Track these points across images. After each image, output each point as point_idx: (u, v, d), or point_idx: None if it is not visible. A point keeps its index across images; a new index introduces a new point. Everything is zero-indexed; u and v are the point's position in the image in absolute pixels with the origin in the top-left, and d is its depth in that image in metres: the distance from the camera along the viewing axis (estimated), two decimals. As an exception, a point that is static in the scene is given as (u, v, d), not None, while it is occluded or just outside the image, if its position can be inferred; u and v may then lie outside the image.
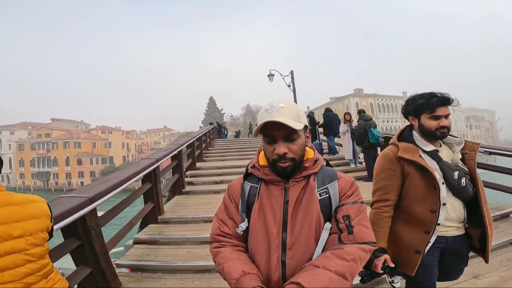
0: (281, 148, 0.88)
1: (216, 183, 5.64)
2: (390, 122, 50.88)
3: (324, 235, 0.90)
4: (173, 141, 55.10)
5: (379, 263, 1.23)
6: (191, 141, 6.42)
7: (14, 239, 0.99)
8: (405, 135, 1.46)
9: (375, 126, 5.17)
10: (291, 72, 13.15)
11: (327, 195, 0.94)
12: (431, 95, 1.32)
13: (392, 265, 1.22)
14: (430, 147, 1.37)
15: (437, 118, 1.31)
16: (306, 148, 0.98)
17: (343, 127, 6.38)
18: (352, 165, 6.17)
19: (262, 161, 0.99)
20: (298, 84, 13.37)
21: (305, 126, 0.94)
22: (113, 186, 2.39)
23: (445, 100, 1.31)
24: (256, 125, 0.92)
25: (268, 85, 13.20)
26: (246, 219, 0.96)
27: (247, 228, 0.97)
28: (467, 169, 1.36)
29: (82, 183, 47.79)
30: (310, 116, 8.53)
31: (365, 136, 5.02)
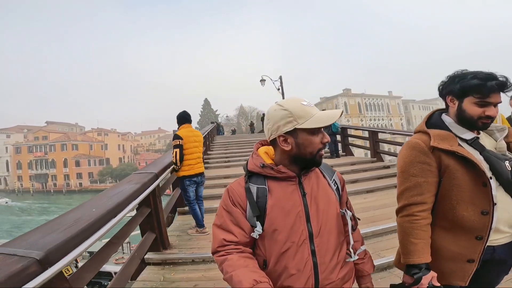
0: (327, 138, 0.95)
1: (225, 166, 7.52)
2: (376, 121, 53.28)
3: (350, 221, 1.02)
4: (169, 142, 56.28)
5: (426, 281, 1.03)
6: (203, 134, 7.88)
7: None
8: (434, 121, 1.17)
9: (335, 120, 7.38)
10: (280, 78, 15.27)
11: (337, 185, 1.05)
12: (490, 77, 1.01)
13: (438, 284, 1.03)
14: (469, 135, 1.09)
15: (485, 104, 1.03)
16: None
17: None
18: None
19: (268, 161, 0.99)
20: (290, 85, 15.52)
21: None
22: (166, 166, 3.05)
23: (505, 86, 1.01)
24: (298, 119, 0.90)
25: (259, 87, 15.04)
26: (259, 223, 0.92)
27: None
28: None
29: (80, 184, 48.98)
30: None
31: (329, 126, 7.12)
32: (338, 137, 7.90)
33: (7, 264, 0.90)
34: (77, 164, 49.96)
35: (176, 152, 3.29)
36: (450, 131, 1.11)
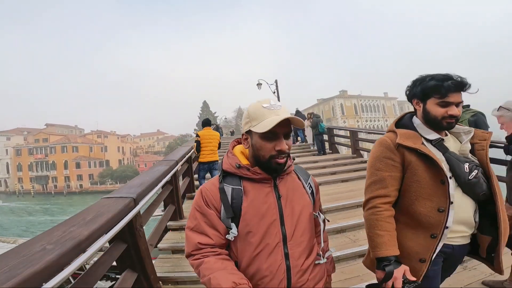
0: (284, 144, 0.91)
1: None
2: (372, 121, 54.33)
3: (322, 224, 1.05)
4: (168, 144, 57.14)
5: (399, 275, 1.02)
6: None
7: None
8: (404, 122, 1.25)
9: (321, 121, 8.33)
10: (276, 81, 16.25)
11: (311, 189, 1.06)
12: (446, 77, 1.07)
13: (413, 278, 1.03)
14: (434, 135, 1.16)
15: (446, 104, 1.09)
16: None
17: (306, 122, 9.45)
18: (312, 148, 9.32)
19: (244, 160, 0.98)
20: (287, 87, 16.88)
21: None
22: (151, 185, 2.27)
23: (461, 85, 1.07)
24: (252, 121, 0.93)
25: (257, 89, 15.90)
26: (234, 225, 0.92)
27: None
28: (478, 162, 1.14)
29: (81, 185, 49.59)
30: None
31: (317, 127, 8.11)
32: (326, 137, 8.85)
33: (122, 201, 1.68)
34: (78, 166, 50.58)
35: (194, 145, 4.93)
36: (417, 131, 1.18)
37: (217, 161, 5.04)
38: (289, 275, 0.92)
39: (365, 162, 7.11)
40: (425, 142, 1.16)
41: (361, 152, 7.79)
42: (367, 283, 1.17)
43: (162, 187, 2.92)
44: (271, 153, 0.91)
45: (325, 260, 1.04)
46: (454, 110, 1.10)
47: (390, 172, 1.15)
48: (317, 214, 1.05)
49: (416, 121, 1.21)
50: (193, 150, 4.88)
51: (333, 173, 6.29)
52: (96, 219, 1.36)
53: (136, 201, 1.81)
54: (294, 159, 1.04)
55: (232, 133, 23.37)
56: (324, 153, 8.25)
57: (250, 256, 0.92)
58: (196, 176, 5.32)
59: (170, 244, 3.12)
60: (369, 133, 8.59)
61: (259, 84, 16.32)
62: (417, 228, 1.14)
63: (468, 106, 4.01)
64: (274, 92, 16.27)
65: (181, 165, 4.08)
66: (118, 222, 1.53)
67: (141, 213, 1.96)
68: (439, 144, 1.15)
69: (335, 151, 8.83)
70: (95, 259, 1.53)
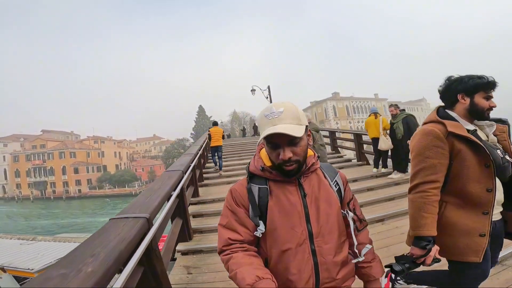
0: (286, 153, 0.90)
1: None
2: (363, 123, 55.80)
3: (351, 223, 1.02)
4: (165, 148, 57.75)
5: (433, 254, 1.22)
6: (204, 144, 8.03)
7: None
8: (443, 114, 1.37)
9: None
10: (268, 87, 17.60)
11: (338, 186, 1.06)
12: (488, 77, 1.28)
13: (440, 258, 1.22)
14: (471, 126, 1.32)
15: (489, 98, 1.29)
16: None
17: None
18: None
19: (268, 162, 1.00)
20: (281, 91, 17.78)
21: (306, 126, 0.95)
22: (162, 199, 2.03)
23: (495, 83, 1.29)
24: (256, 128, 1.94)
25: (251, 93, 16.98)
26: (261, 222, 0.96)
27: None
28: (503, 150, 1.32)
29: (79, 190, 50.21)
30: None
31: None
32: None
33: (135, 222, 1.40)
34: (76, 171, 51.28)
35: (207, 137, 8.35)
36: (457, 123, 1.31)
37: (221, 145, 7.62)
38: (317, 271, 0.94)
39: (343, 158, 8.39)
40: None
41: (339, 149, 9.11)
42: (396, 256, 1.31)
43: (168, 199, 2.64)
44: (277, 161, 0.92)
45: (362, 257, 1.03)
46: (493, 103, 1.29)
47: (439, 160, 1.26)
48: (345, 212, 1.04)
49: (453, 114, 1.34)
50: (199, 153, 6.10)
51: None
52: (108, 254, 1.02)
53: (149, 221, 1.53)
54: (318, 157, 1.05)
55: (228, 136, 24.51)
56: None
57: (278, 253, 0.95)
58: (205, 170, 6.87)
59: (183, 275, 2.62)
60: (343, 132, 9.95)
61: (253, 90, 17.62)
62: (468, 207, 1.27)
63: (404, 110, 5.42)
64: (267, 98, 17.61)
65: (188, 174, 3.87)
66: (136, 250, 1.28)
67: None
68: (475, 134, 1.28)
69: (337, 152, 9.92)
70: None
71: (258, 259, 0.96)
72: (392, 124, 5.41)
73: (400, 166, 5.34)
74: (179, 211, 3.10)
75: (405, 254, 1.31)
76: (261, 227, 0.96)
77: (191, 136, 56.57)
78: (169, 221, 2.78)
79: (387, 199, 4.39)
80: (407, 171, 5.25)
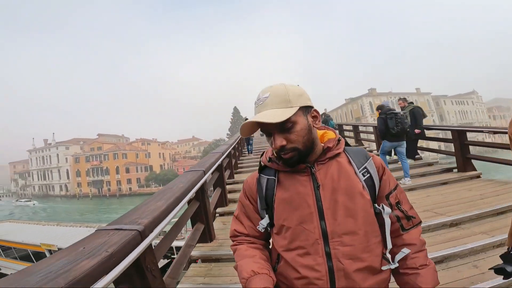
0: (277, 141, 0.81)
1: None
2: (405, 119, 53.04)
3: (387, 220, 0.85)
4: (204, 148, 60.90)
5: None
6: (235, 142, 7.59)
7: None
8: None
9: (331, 119, 10.31)
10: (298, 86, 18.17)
11: (369, 174, 0.88)
12: None
13: None
14: None
15: None
16: (325, 130, 0.94)
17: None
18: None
19: None
20: (312, 89, 18.00)
21: (306, 107, 0.84)
22: (165, 210, 1.64)
23: None
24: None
25: None
26: (266, 216, 0.91)
27: (270, 225, 0.92)
28: None
29: (130, 188, 55.47)
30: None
31: (327, 124, 10.17)
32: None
33: (123, 234, 1.17)
34: (127, 170, 56.70)
35: (239, 136, 8.08)
36: None
37: (253, 136, 8.00)
38: (333, 278, 0.80)
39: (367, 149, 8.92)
40: None
41: (362, 142, 9.78)
42: (491, 267, 1.22)
43: (188, 202, 2.47)
44: (275, 150, 0.84)
45: (396, 264, 0.85)
46: None
47: None
48: (380, 207, 0.86)
49: None
50: (225, 154, 5.11)
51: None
52: (77, 269, 0.86)
53: (143, 234, 1.28)
54: (339, 140, 0.90)
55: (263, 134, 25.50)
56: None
57: (286, 251, 0.86)
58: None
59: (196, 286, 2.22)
60: (365, 126, 10.59)
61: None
62: None
63: (412, 103, 6.01)
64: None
65: (211, 174, 3.63)
66: (116, 266, 1.04)
67: (155, 244, 1.58)
68: None
69: (360, 145, 10.60)
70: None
71: (262, 251, 0.92)
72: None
73: (408, 153, 5.85)
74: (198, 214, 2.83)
75: (510, 252, 1.18)
76: (263, 221, 0.91)
77: (227, 136, 58.95)
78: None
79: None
80: (418, 156, 6.03)
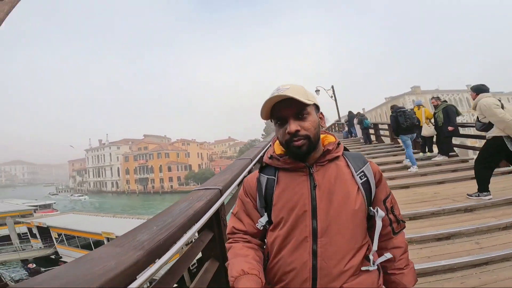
0: (292, 125, 0.85)
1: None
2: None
3: (379, 223, 0.89)
4: (239, 149, 62.53)
5: None
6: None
7: None
8: None
9: (366, 119, 10.40)
10: (332, 87, 18.28)
11: (366, 178, 0.91)
12: None
13: None
14: None
15: None
16: (326, 135, 0.99)
17: (356, 120, 11.76)
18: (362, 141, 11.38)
19: (279, 150, 0.98)
20: (348, 89, 18.02)
21: (317, 107, 0.92)
22: (234, 177, 2.39)
23: None
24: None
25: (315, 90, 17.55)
26: (266, 214, 0.94)
27: (268, 223, 0.94)
28: None
29: (171, 186, 59.19)
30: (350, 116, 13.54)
31: (362, 123, 10.37)
32: (371, 130, 10.97)
33: (210, 192, 1.76)
34: (169, 169, 60.44)
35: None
36: None
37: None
38: (315, 276, 0.83)
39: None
40: None
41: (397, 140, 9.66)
42: None
43: (238, 185, 2.72)
44: (285, 138, 0.87)
45: (374, 266, 0.88)
46: None
47: None
48: (374, 210, 0.90)
49: None
50: (265, 149, 5.50)
51: (374, 157, 8.17)
52: (188, 210, 1.39)
53: (222, 192, 1.84)
54: (339, 144, 0.95)
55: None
56: (370, 143, 10.30)
57: (277, 248, 0.89)
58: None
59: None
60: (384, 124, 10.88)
61: (317, 91, 18.39)
62: None
63: (445, 101, 6.01)
64: (332, 97, 18.28)
65: (254, 165, 3.75)
66: (207, 211, 1.55)
67: (224, 203, 2.02)
68: None
69: (380, 141, 10.65)
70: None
71: (255, 251, 0.93)
72: (434, 113, 6.10)
73: (442, 150, 5.95)
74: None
75: None
76: (262, 219, 0.93)
77: (262, 136, 59.82)
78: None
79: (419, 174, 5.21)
80: (452, 152, 6.00)
